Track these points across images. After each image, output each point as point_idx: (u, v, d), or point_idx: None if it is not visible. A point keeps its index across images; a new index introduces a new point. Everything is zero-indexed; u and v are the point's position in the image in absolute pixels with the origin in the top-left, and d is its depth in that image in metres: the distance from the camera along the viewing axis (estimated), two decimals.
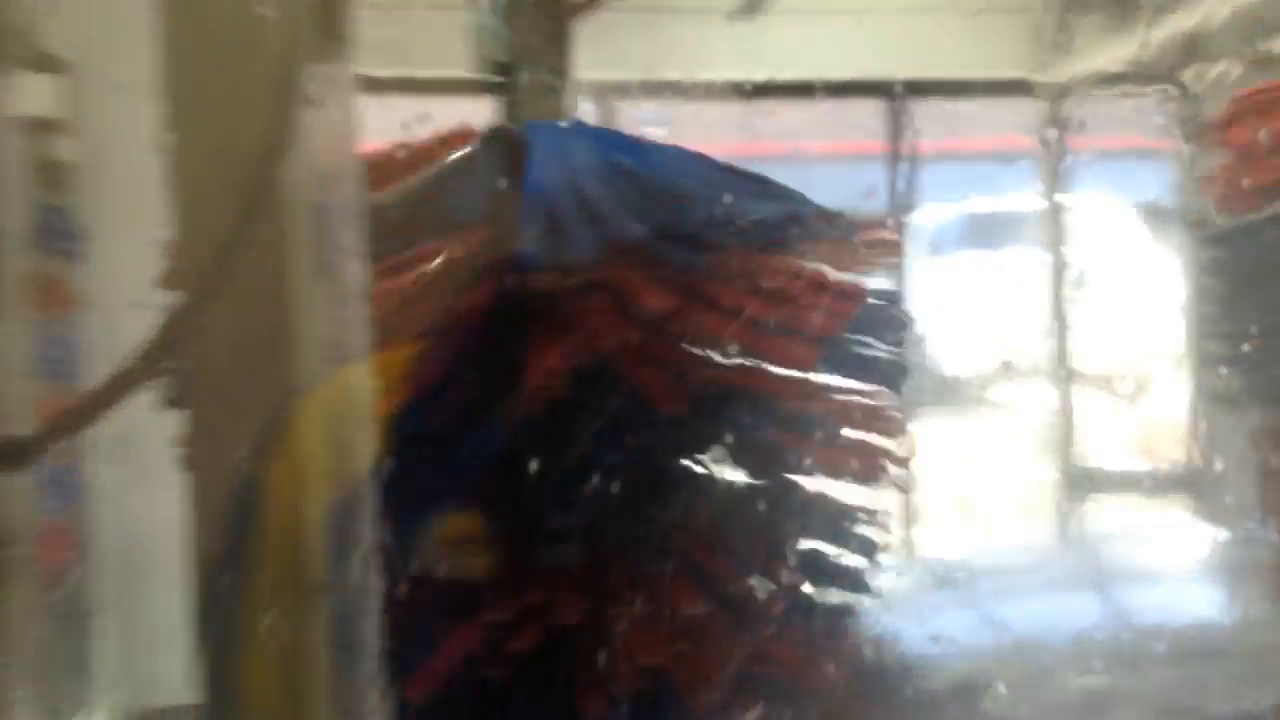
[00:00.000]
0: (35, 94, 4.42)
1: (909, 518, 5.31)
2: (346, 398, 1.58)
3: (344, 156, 1.61)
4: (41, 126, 4.41)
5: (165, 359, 1.40)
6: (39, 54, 4.47)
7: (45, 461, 2.66)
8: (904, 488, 2.39)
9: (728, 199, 2.39)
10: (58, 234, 3.46)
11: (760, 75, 5.84)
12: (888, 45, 5.72)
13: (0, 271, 1.58)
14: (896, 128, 6.13)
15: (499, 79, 2.76)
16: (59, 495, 2.91)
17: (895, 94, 6.01)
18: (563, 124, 2.52)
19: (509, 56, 2.73)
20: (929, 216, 9.82)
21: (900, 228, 2.65)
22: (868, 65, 5.84)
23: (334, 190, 1.58)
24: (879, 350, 2.41)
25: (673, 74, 5.64)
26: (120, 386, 1.40)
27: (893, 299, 2.46)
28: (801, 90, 6.39)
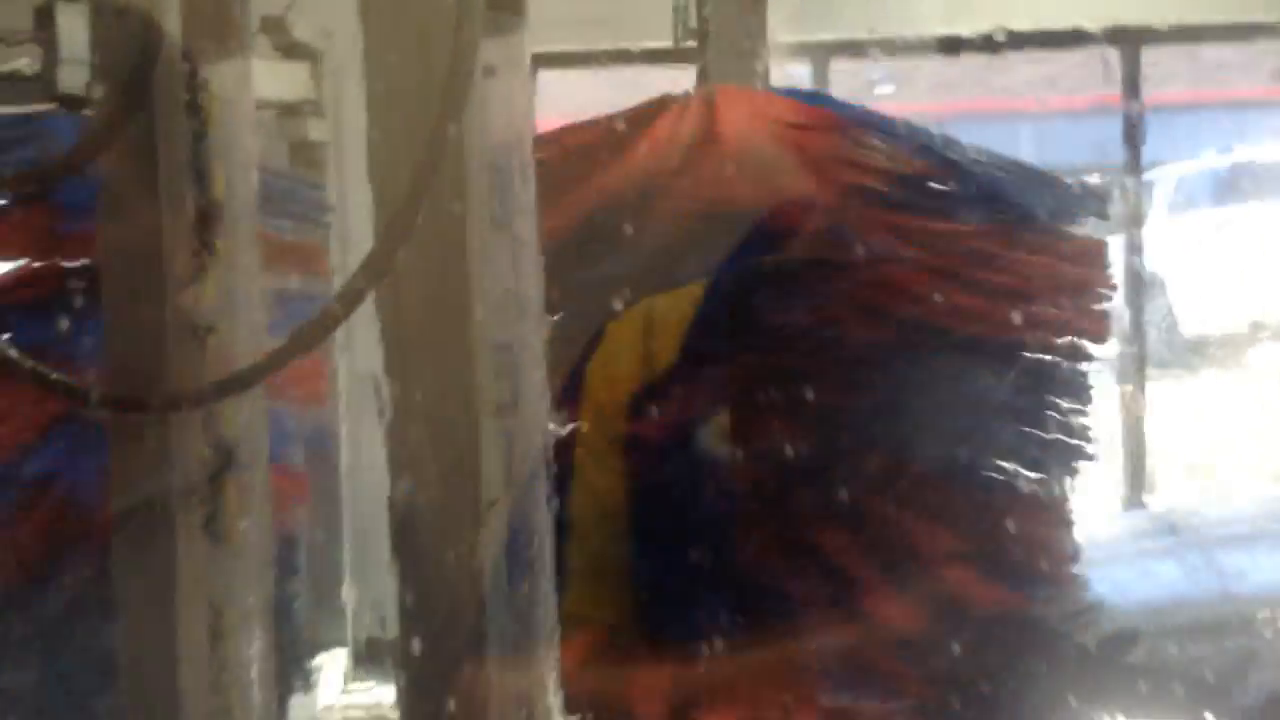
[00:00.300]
0: (289, 80, 4.85)
1: (1139, 472, 5.14)
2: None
3: (520, 121, 1.75)
4: (294, 109, 4.84)
5: (360, 300, 1.58)
6: (292, 43, 4.89)
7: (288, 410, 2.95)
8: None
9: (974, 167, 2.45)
10: (310, 206, 3.80)
11: (986, 28, 5.68)
12: None
13: (236, 229, 1.81)
14: (1134, 78, 5.82)
15: (696, 47, 2.88)
16: (304, 440, 3.23)
17: (1131, 42, 5.70)
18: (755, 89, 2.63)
19: (704, 26, 2.85)
20: (1173, 171, 9.25)
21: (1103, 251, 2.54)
22: (1102, 12, 5.56)
23: (510, 153, 1.73)
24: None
25: (893, 31, 5.55)
26: (321, 327, 1.60)
27: None
28: (1032, 41, 6.16)
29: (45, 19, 2.76)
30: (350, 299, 1.57)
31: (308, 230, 3.71)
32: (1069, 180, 2.59)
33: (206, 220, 1.74)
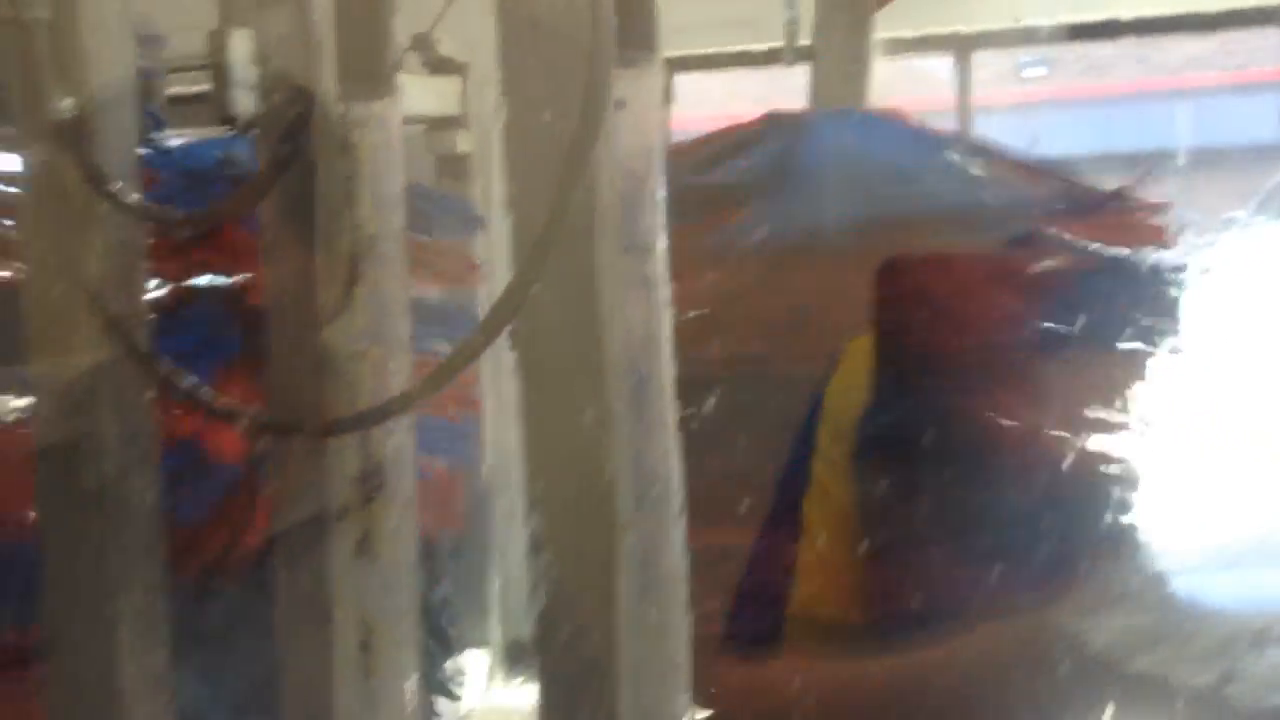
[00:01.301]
0: (436, 94, 5.01)
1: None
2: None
3: (650, 152, 1.81)
4: (441, 123, 5.00)
5: (500, 329, 1.66)
6: (438, 58, 5.04)
7: (439, 416, 3.07)
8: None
9: (979, 188, 2.62)
10: (459, 217, 3.92)
11: (1141, 11, 5.48)
12: None
13: (384, 260, 1.91)
14: None
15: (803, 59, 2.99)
16: (452, 446, 3.34)
17: None
18: (843, 112, 2.82)
19: (812, 49, 2.93)
20: None
21: (1166, 209, 2.66)
22: None
23: (641, 183, 1.78)
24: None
25: (1037, 19, 5.40)
26: (466, 354, 1.68)
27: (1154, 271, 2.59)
28: (1198, 23, 5.90)
29: (218, 44, 2.89)
30: (491, 329, 1.65)
31: (461, 241, 3.82)
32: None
33: (357, 254, 1.84)
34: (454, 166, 4.94)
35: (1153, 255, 2.62)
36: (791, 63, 3.03)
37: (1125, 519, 2.47)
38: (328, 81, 1.83)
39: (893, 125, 2.75)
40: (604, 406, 1.75)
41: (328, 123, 1.83)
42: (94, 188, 1.85)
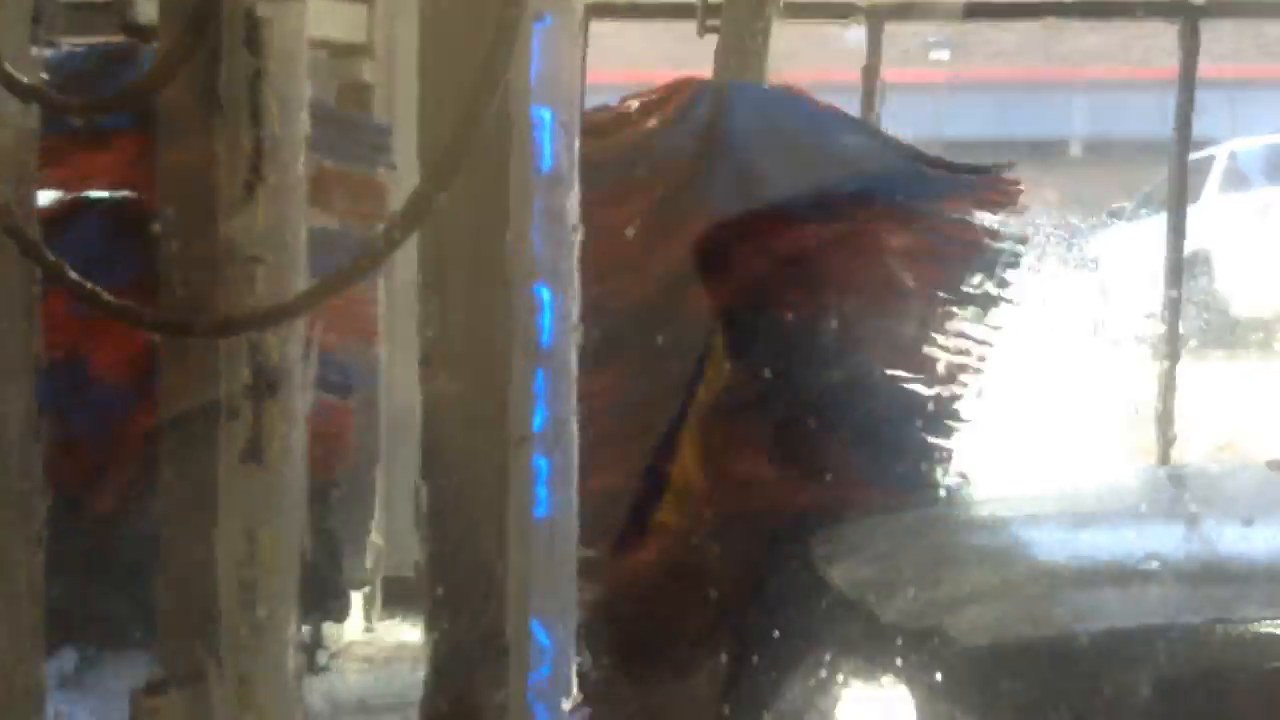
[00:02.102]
0: (343, 21, 4.89)
1: (1165, 447, 5.14)
2: None
3: (568, 71, 1.79)
4: (347, 51, 4.89)
5: (403, 239, 1.64)
6: None
7: (329, 347, 3.03)
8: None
9: (874, 163, 2.99)
10: (368, 143, 3.82)
11: None
12: None
13: (286, 165, 1.87)
14: (1192, 51, 5.72)
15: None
16: (344, 380, 3.30)
17: (1192, 14, 5.61)
18: (756, 88, 3.14)
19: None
20: (1230, 147, 9.09)
21: (1013, 182, 3.09)
22: None
23: (557, 103, 1.77)
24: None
25: None
26: (364, 264, 1.66)
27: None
28: (1095, 10, 6.06)
29: None
30: (394, 238, 1.63)
31: (372, 168, 3.75)
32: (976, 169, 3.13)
33: (259, 153, 1.79)
34: (357, 96, 4.84)
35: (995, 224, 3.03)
36: (702, 34, 3.25)
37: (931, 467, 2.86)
38: None
39: (798, 101, 3.02)
40: (505, 320, 1.74)
41: (234, 17, 1.78)
42: None
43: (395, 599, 4.72)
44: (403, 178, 3.94)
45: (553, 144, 1.78)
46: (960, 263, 2.97)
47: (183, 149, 1.82)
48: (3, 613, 1.99)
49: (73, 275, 1.68)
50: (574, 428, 1.81)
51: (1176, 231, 5.73)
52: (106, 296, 1.70)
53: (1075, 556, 2.53)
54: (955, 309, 2.98)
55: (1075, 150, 12.37)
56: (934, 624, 2.17)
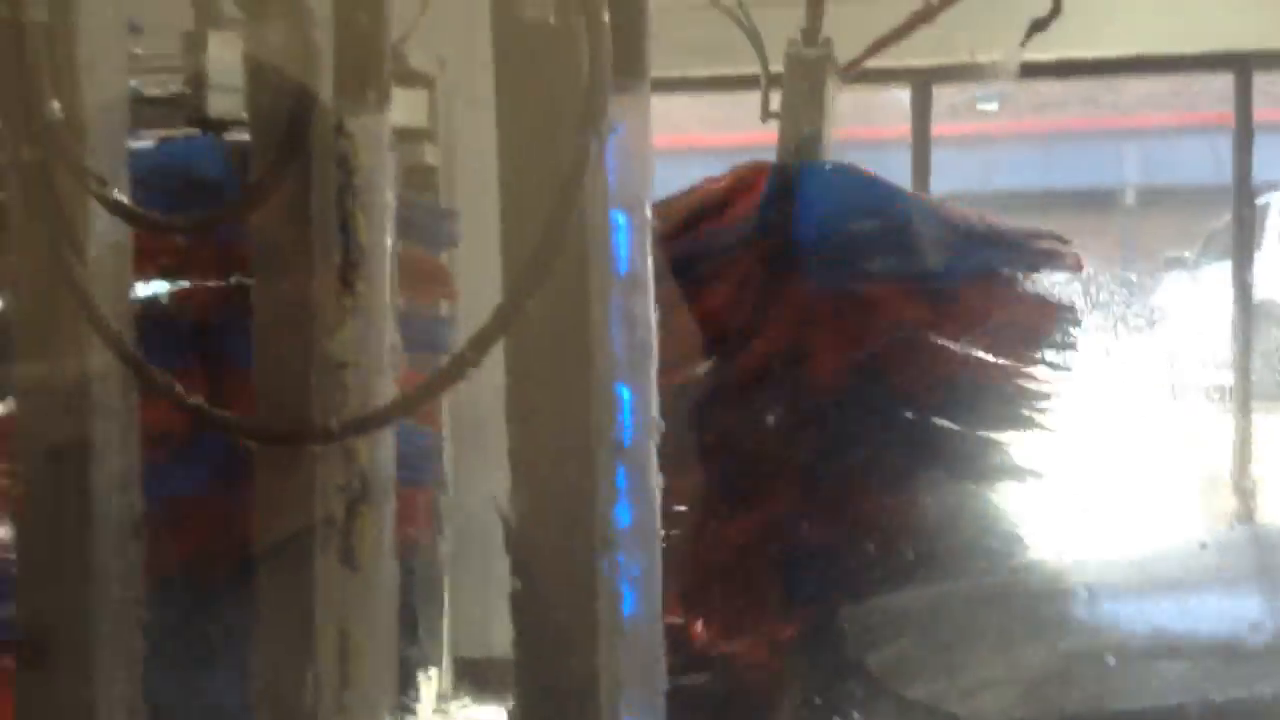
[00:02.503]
0: (405, 106, 5.02)
1: (1244, 502, 5.08)
2: None
3: (640, 174, 1.85)
4: (409, 135, 5.01)
5: (490, 346, 1.69)
6: (408, 70, 5.08)
7: (407, 432, 3.10)
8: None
9: (957, 244, 3.06)
10: (436, 227, 3.92)
11: (1096, 52, 5.62)
12: (1233, 13, 5.34)
13: (373, 272, 1.94)
14: (1245, 102, 5.71)
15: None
16: (420, 465, 3.35)
17: (1244, 65, 5.60)
18: (830, 167, 3.18)
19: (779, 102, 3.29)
20: None
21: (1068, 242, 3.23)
22: (1211, 37, 5.48)
23: (631, 203, 1.82)
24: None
25: (997, 55, 5.51)
26: (456, 369, 1.71)
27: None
28: (1146, 65, 6.06)
29: (195, 45, 2.87)
30: (482, 345, 1.68)
31: (435, 252, 3.84)
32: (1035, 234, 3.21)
33: (350, 266, 1.87)
34: (421, 178, 4.96)
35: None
36: (765, 120, 3.38)
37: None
38: (324, 92, 1.86)
39: (868, 181, 3.13)
40: (588, 424, 1.78)
41: (323, 132, 1.86)
42: (86, 189, 1.86)
43: (464, 679, 4.73)
44: (464, 258, 4.03)
45: (628, 247, 1.83)
46: (1038, 328, 3.09)
47: (276, 264, 1.89)
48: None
49: (178, 389, 1.75)
50: (657, 525, 1.84)
51: (1242, 283, 5.69)
52: (207, 407, 1.77)
53: (1115, 630, 2.51)
54: (1033, 372, 3.10)
55: (1129, 199, 12.29)
56: (953, 708, 2.19)
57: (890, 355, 2.92)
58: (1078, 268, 3.22)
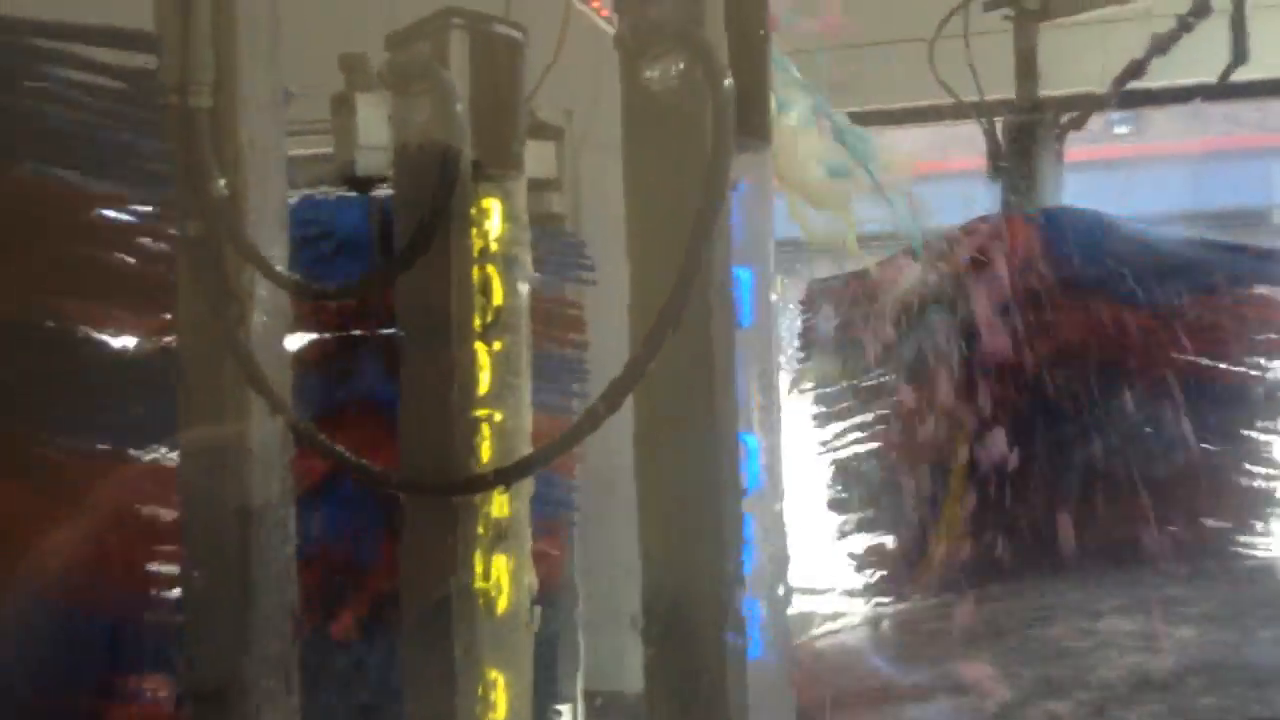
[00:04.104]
0: (535, 158, 5.19)
1: None
2: None
3: (762, 230, 1.91)
4: (539, 185, 5.16)
5: (623, 399, 1.76)
6: (537, 124, 5.24)
7: (542, 477, 3.20)
8: None
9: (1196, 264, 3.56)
10: (563, 260, 4.02)
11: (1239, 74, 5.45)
12: None
13: (511, 329, 2.04)
14: None
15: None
16: (555, 509, 3.44)
17: None
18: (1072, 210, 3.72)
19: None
20: None
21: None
22: None
23: (752, 260, 1.88)
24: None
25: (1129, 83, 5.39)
26: (592, 421, 1.79)
27: None
28: (1267, 90, 5.86)
29: (344, 107, 3.02)
30: (615, 396, 1.75)
31: (571, 280, 3.95)
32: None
33: (490, 325, 1.97)
34: (549, 226, 5.10)
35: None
36: (993, 177, 3.88)
37: None
38: (464, 161, 1.97)
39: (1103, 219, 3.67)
40: (715, 471, 1.84)
41: (463, 199, 1.97)
42: (248, 260, 2.01)
43: (597, 715, 4.79)
44: (593, 297, 4.13)
45: (753, 300, 1.89)
46: (1262, 335, 3.48)
47: (420, 324, 2.01)
48: None
49: (339, 449, 1.86)
50: (786, 569, 1.88)
51: None
52: (364, 463, 1.88)
53: None
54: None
55: (1278, 219, 11.81)
56: None
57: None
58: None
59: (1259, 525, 3.47)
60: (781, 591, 1.87)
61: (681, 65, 1.77)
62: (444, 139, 1.94)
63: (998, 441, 3.38)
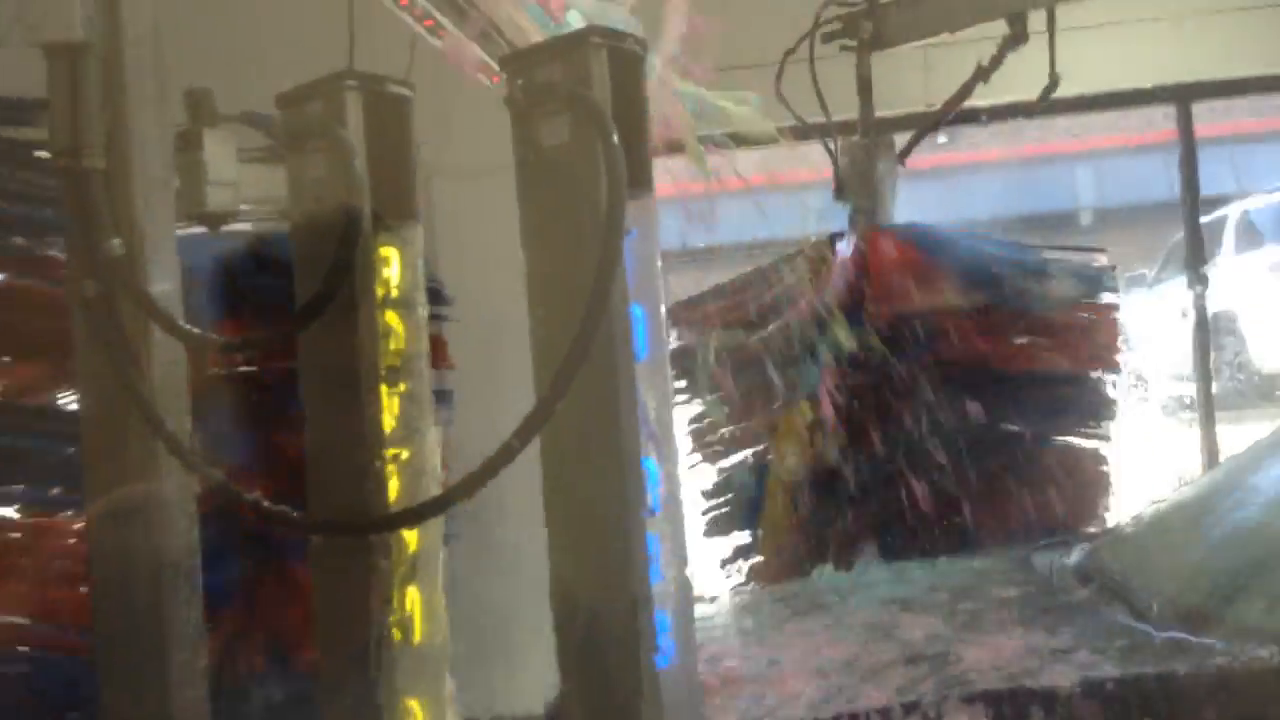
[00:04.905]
0: None
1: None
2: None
3: (651, 270, 2.06)
4: None
5: (531, 437, 1.88)
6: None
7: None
8: None
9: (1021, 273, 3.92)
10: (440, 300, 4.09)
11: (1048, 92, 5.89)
12: (1173, 51, 5.65)
13: (414, 370, 2.12)
14: (1188, 132, 6.03)
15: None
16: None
17: (1184, 96, 5.91)
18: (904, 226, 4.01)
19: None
20: (1243, 205, 9.30)
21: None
22: (1151, 72, 5.79)
23: (644, 298, 2.03)
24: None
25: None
26: (501, 460, 1.90)
27: None
28: (1090, 104, 6.36)
29: (190, 143, 3.02)
30: (527, 433, 1.87)
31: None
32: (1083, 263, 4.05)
33: (393, 369, 2.06)
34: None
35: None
36: (837, 199, 4.19)
37: None
38: (365, 213, 2.05)
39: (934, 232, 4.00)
40: (620, 494, 1.97)
41: (365, 250, 2.05)
42: (147, 315, 2.04)
43: None
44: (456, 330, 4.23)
45: (647, 335, 2.03)
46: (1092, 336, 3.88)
47: (324, 369, 2.08)
48: None
49: (239, 491, 1.92)
50: (689, 581, 2.03)
51: (1194, 291, 5.96)
52: (268, 504, 1.94)
53: None
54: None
55: (1086, 220, 12.65)
56: None
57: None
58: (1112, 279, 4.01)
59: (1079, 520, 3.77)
60: (685, 604, 2.02)
61: (571, 123, 1.90)
62: (344, 195, 2.02)
63: (825, 443, 3.68)
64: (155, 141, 2.11)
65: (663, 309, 2.05)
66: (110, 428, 2.08)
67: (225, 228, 2.67)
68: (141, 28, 2.02)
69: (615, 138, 1.83)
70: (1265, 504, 2.76)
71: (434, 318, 4.01)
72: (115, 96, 2.03)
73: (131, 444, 2.07)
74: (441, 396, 3.77)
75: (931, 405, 3.68)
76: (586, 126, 1.88)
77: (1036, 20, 4.32)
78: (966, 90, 4.37)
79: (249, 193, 2.20)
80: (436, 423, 3.62)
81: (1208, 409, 5.84)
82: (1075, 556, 3.05)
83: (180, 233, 2.81)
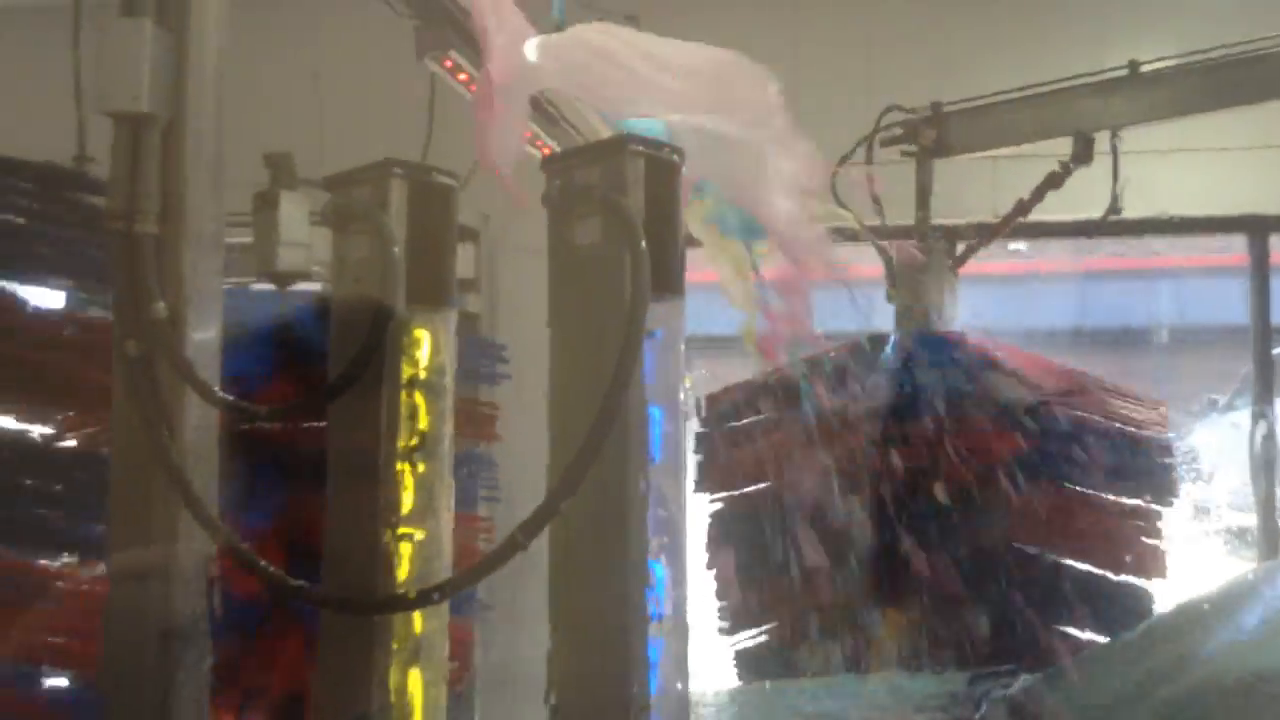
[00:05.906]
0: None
1: None
2: None
3: (674, 373, 2.07)
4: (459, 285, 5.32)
5: (539, 531, 1.89)
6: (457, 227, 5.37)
7: None
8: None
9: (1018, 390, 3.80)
10: (480, 364, 4.15)
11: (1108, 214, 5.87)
12: (1247, 181, 5.60)
13: (435, 453, 2.15)
14: (1261, 258, 5.96)
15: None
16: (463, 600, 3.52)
17: (1260, 228, 5.86)
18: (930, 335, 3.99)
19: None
20: None
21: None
22: (1224, 200, 5.75)
23: (665, 401, 2.04)
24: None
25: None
26: (507, 551, 1.91)
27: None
28: (1165, 228, 6.32)
29: (268, 203, 3.10)
30: (533, 528, 1.88)
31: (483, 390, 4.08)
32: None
33: (414, 448, 2.09)
34: (466, 324, 5.26)
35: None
36: (890, 300, 4.18)
37: None
38: (400, 295, 2.10)
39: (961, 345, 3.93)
40: (624, 598, 1.97)
41: (396, 331, 2.10)
42: (183, 379, 2.09)
43: None
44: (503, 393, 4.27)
45: (662, 437, 2.04)
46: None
47: (350, 443, 2.12)
48: None
49: (262, 563, 1.95)
50: (687, 691, 2.01)
51: (1264, 436, 5.81)
52: (290, 580, 1.96)
53: None
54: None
55: (1162, 338, 12.44)
56: None
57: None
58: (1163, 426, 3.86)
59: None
60: (683, 714, 2.00)
61: (603, 225, 1.94)
62: (381, 277, 2.07)
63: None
64: (209, 212, 2.18)
65: (681, 408, 2.06)
66: (137, 486, 2.13)
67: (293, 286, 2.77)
68: (206, 101, 2.11)
69: (643, 244, 1.87)
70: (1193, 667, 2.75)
71: (495, 379, 4.10)
72: (172, 165, 2.11)
73: (155, 505, 2.11)
74: (486, 465, 3.84)
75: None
76: (617, 230, 1.91)
77: (1104, 141, 4.31)
78: (1025, 206, 4.36)
79: (320, 254, 2.27)
80: (486, 495, 3.66)
81: (1270, 544, 5.67)
82: (1015, 687, 3.01)
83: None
